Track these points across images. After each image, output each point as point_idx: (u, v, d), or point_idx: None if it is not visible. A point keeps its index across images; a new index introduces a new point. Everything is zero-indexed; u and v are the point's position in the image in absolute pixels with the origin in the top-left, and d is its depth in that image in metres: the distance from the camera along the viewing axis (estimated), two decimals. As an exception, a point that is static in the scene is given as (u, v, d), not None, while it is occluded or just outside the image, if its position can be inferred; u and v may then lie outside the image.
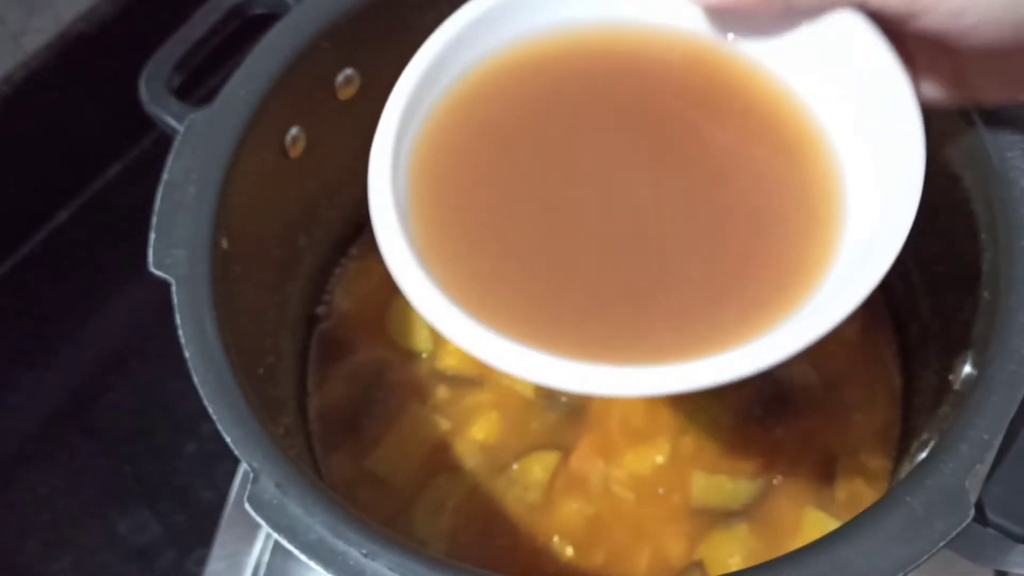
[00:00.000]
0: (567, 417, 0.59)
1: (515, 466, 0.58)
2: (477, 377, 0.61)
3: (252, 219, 0.52)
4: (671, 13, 0.42)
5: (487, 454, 0.59)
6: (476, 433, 0.59)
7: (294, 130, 0.55)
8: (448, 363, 0.61)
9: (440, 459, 0.59)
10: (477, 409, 0.60)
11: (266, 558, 0.62)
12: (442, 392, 0.61)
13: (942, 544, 0.39)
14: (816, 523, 0.55)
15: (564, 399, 0.60)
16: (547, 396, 0.60)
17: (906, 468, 0.53)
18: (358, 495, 0.58)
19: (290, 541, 0.40)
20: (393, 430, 0.60)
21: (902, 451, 0.57)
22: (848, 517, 0.41)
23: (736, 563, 0.54)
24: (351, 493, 0.58)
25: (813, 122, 0.42)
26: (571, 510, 0.57)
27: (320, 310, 0.64)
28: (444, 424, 0.60)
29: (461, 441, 0.59)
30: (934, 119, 0.51)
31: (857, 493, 0.57)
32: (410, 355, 0.62)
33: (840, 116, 0.41)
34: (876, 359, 0.61)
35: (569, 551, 0.56)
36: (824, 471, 0.58)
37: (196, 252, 0.47)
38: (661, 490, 0.57)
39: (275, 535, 0.41)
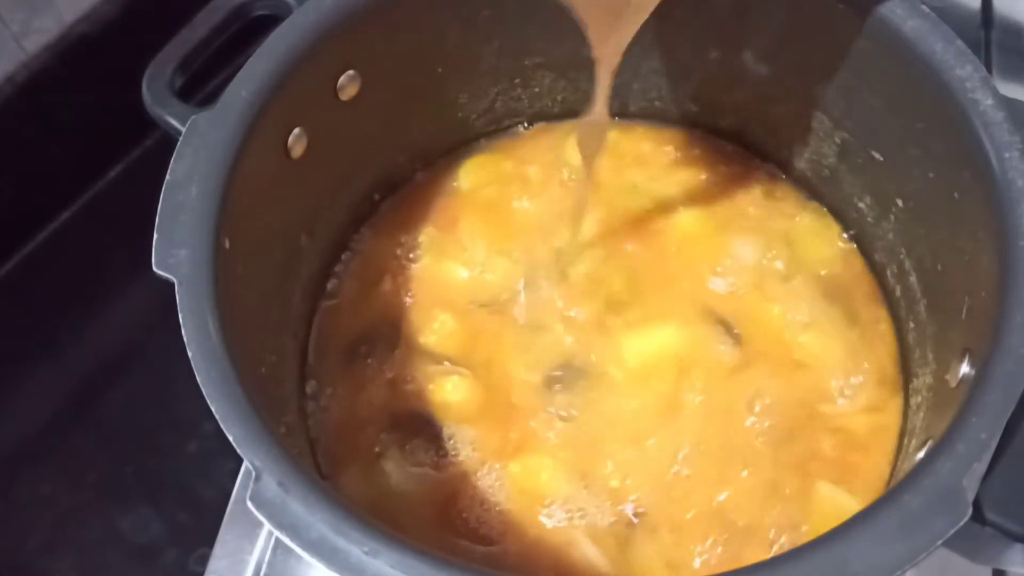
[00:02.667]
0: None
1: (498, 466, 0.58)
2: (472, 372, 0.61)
3: (254, 219, 0.52)
4: None
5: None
6: (469, 430, 0.59)
7: (296, 131, 0.55)
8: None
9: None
10: (470, 406, 0.60)
11: (268, 556, 0.62)
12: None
13: (940, 543, 0.40)
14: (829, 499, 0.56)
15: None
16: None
17: (904, 467, 0.53)
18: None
19: (292, 539, 0.41)
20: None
21: (900, 450, 0.57)
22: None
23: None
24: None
25: None
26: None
27: (322, 308, 0.65)
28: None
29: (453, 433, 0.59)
30: (932, 117, 0.52)
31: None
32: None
33: None
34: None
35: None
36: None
37: (198, 252, 0.47)
38: None
39: (277, 533, 0.41)
